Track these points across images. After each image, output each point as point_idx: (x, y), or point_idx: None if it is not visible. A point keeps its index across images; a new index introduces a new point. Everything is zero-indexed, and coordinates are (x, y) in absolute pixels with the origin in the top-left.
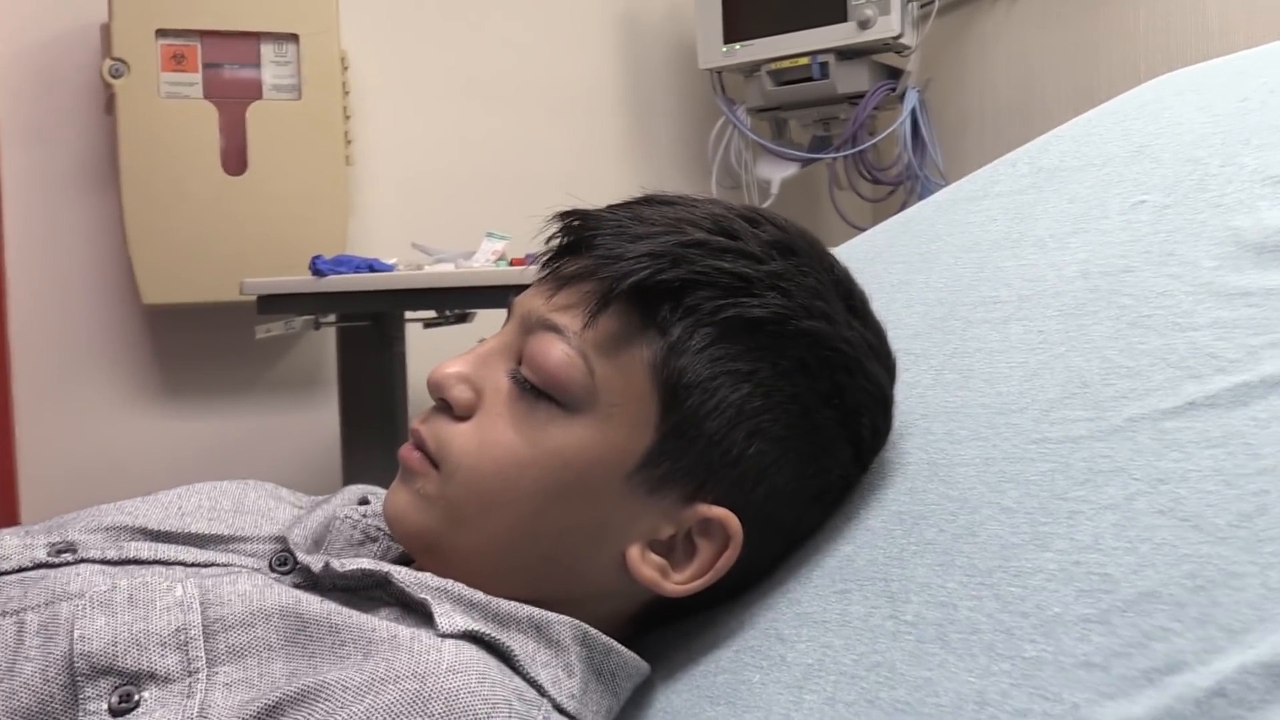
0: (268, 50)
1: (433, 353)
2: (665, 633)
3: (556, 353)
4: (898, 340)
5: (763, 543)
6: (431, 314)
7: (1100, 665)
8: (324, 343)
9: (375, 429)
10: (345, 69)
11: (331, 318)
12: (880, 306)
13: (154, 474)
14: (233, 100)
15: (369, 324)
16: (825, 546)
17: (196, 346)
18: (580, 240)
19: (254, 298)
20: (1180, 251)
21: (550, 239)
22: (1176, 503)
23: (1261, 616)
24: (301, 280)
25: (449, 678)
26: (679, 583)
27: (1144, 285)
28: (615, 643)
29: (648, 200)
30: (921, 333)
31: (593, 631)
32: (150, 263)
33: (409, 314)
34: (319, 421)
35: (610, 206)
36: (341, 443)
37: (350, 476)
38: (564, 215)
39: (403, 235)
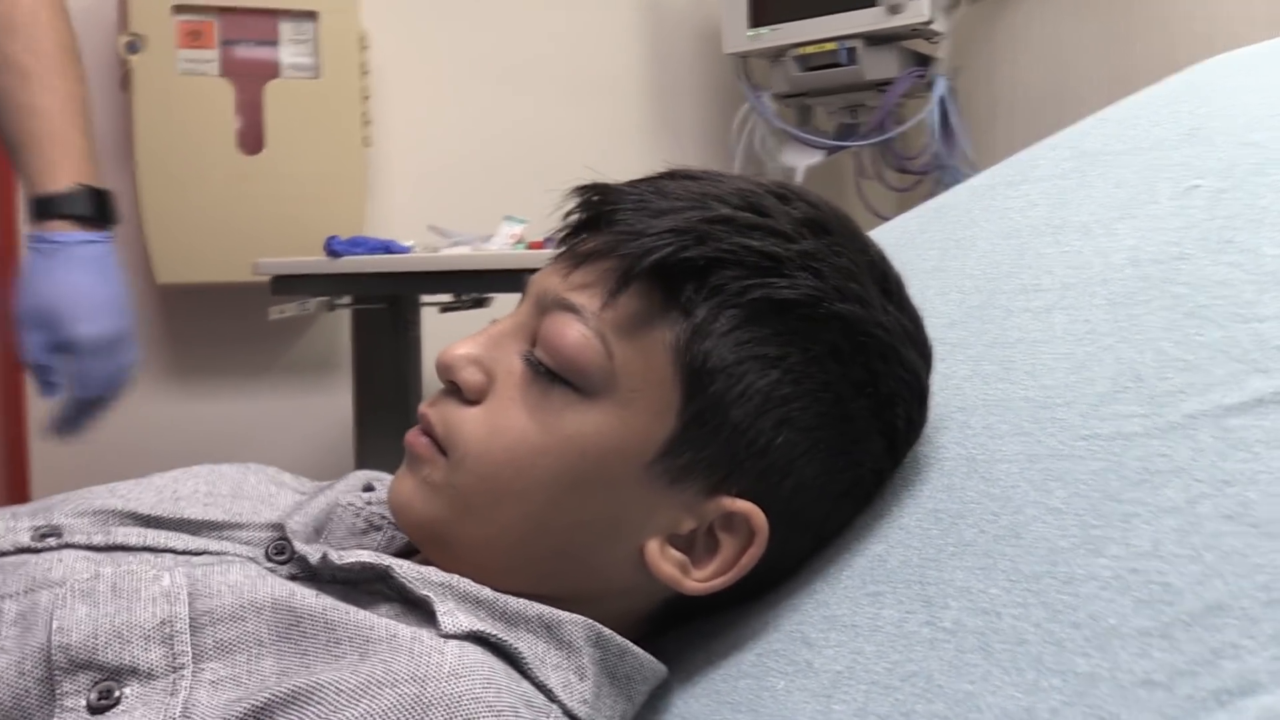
0: (286, 28)
1: (449, 338)
2: (684, 633)
3: (573, 333)
4: (932, 329)
5: (789, 539)
6: (448, 298)
7: (1163, 684)
8: (339, 326)
9: (389, 414)
10: (365, 49)
11: (346, 300)
12: (913, 293)
13: (165, 455)
14: (250, 78)
15: (384, 307)
16: (855, 545)
17: (211, 327)
18: (600, 215)
19: (268, 278)
20: (1239, 239)
21: (569, 214)
22: (1245, 507)
23: None
24: (316, 261)
25: (451, 682)
26: (700, 580)
27: (1200, 273)
28: (630, 644)
29: (672, 175)
30: (958, 321)
31: (606, 632)
32: (165, 242)
33: (425, 298)
34: (333, 405)
35: (632, 181)
36: (355, 427)
37: (363, 461)
38: (583, 189)
39: (421, 218)
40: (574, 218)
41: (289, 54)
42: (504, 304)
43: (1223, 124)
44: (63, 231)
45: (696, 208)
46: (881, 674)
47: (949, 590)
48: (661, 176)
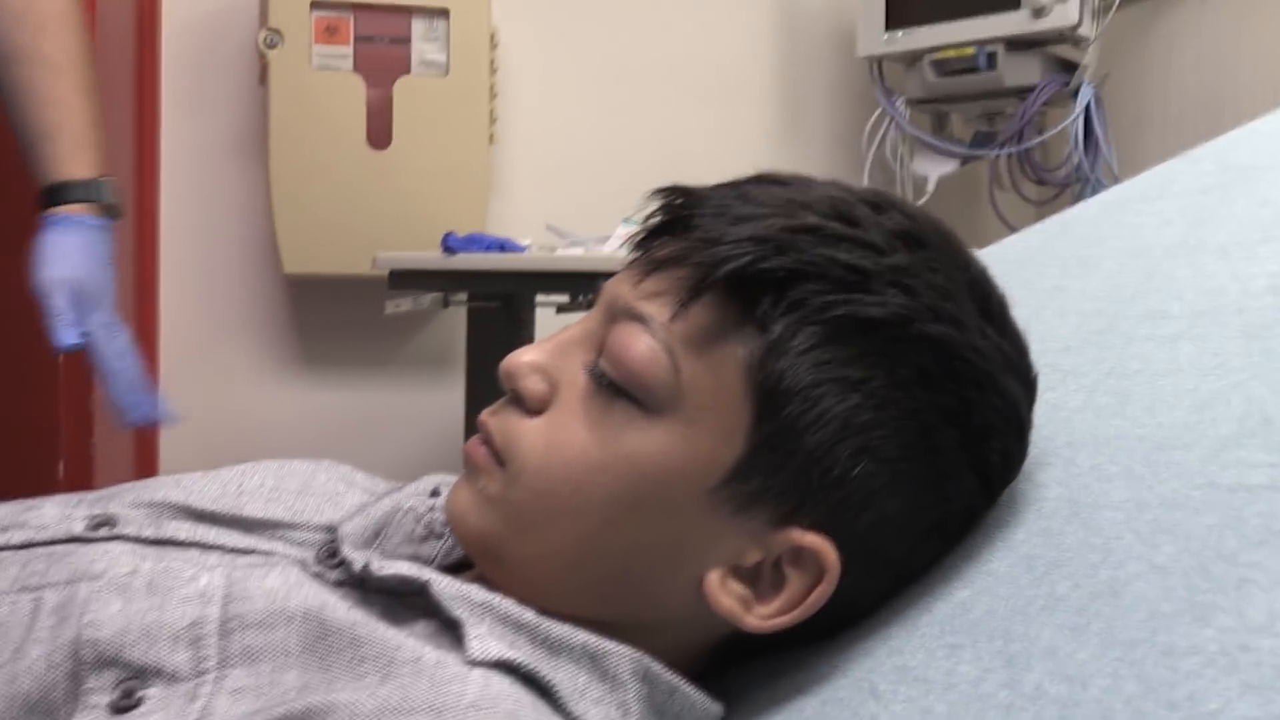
0: (419, 25)
1: None
2: (747, 671)
3: (640, 346)
4: (1045, 354)
5: (864, 578)
6: (564, 298)
7: None
8: (456, 323)
9: None
10: (494, 47)
11: (461, 297)
12: (1028, 315)
13: (287, 443)
14: (381, 74)
15: (499, 305)
16: (939, 589)
17: (333, 319)
18: (678, 220)
19: (386, 272)
20: None
21: (649, 217)
22: None
23: None
24: (432, 257)
25: (470, 715)
26: (762, 617)
27: None
28: (682, 681)
29: (759, 179)
30: (1074, 347)
31: (655, 667)
32: (292, 233)
33: (541, 297)
34: (447, 401)
35: (718, 185)
36: (465, 424)
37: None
38: (665, 191)
39: (542, 217)
40: (653, 221)
41: (420, 51)
42: None
43: None
44: (84, 214)
45: (781, 215)
46: None
47: (1034, 650)
48: (748, 181)
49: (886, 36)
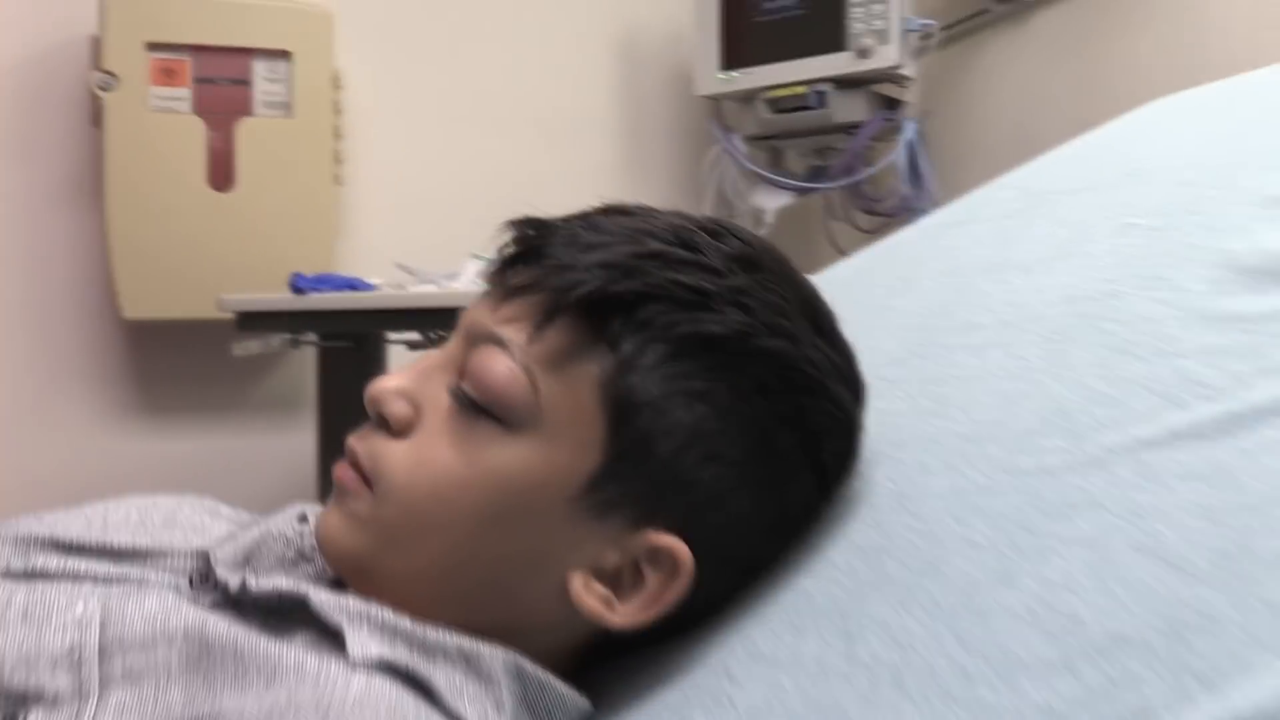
0: (260, 67)
1: None
2: (610, 669)
3: (500, 367)
4: (874, 367)
5: (716, 574)
6: (415, 336)
7: (1061, 714)
8: (304, 364)
9: None
10: (338, 89)
11: (311, 337)
12: (859, 331)
13: (127, 492)
14: (223, 115)
15: (350, 345)
16: (784, 580)
17: (177, 364)
18: (531, 249)
19: (234, 315)
20: (1169, 275)
21: (502, 248)
22: (1155, 539)
23: (1240, 665)
24: (280, 298)
25: (354, 712)
26: (624, 615)
27: (1130, 310)
28: (552, 677)
29: (606, 210)
30: (899, 359)
31: (527, 665)
32: (133, 277)
33: (392, 335)
34: (298, 443)
35: (567, 216)
36: (318, 465)
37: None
38: (517, 223)
39: (391, 256)
40: (507, 251)
41: (262, 92)
42: None
43: (1161, 164)
44: None
45: (627, 243)
46: (798, 707)
47: (868, 624)
48: (596, 212)
49: (723, 76)
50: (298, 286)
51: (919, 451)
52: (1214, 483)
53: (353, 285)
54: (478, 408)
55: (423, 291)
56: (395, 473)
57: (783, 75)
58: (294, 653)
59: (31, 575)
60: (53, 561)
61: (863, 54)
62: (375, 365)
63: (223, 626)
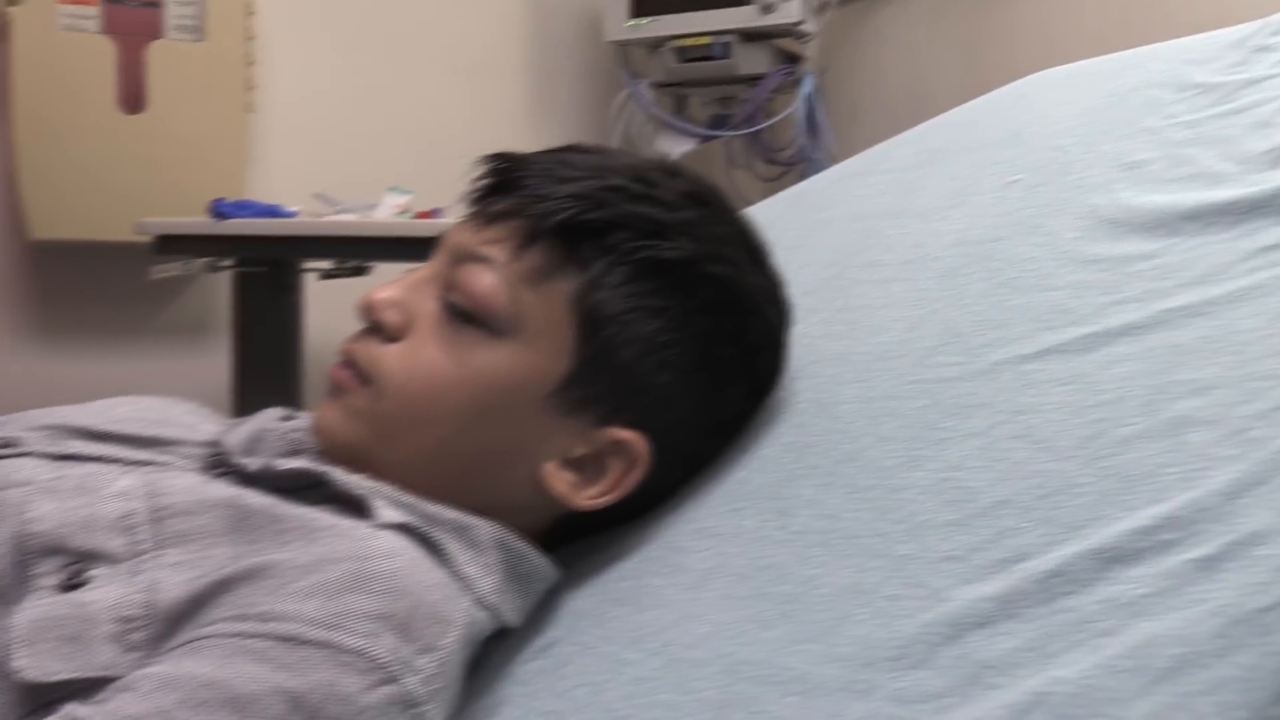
0: None
1: (329, 304)
2: (574, 548)
3: (485, 281)
4: (792, 296)
5: (666, 466)
6: (328, 265)
7: (960, 558)
8: (215, 289)
9: (269, 377)
10: (251, 14)
11: (230, 262)
12: (777, 266)
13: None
14: (132, 37)
15: (266, 270)
16: (722, 473)
17: (85, 286)
18: (509, 181)
19: (148, 238)
20: (1046, 224)
21: (480, 178)
22: (1030, 429)
23: (1095, 516)
24: (202, 222)
25: (387, 560)
26: (589, 498)
27: (1013, 252)
28: (529, 547)
29: (573, 148)
30: (813, 290)
31: (510, 536)
32: (40, 197)
33: (306, 263)
34: (207, 367)
35: (538, 152)
36: (233, 390)
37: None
38: (494, 157)
39: (302, 186)
40: (485, 181)
41: (173, 15)
42: (385, 272)
43: (1039, 130)
44: None
45: (595, 177)
46: (742, 567)
47: (798, 502)
48: (564, 149)
49: (631, 23)
50: (219, 211)
51: (834, 367)
52: (1077, 386)
53: (273, 212)
54: (465, 316)
55: (344, 220)
56: (392, 372)
57: (689, 25)
58: (325, 516)
59: (65, 458)
60: (84, 447)
61: (767, 9)
62: (290, 291)
63: (256, 496)
